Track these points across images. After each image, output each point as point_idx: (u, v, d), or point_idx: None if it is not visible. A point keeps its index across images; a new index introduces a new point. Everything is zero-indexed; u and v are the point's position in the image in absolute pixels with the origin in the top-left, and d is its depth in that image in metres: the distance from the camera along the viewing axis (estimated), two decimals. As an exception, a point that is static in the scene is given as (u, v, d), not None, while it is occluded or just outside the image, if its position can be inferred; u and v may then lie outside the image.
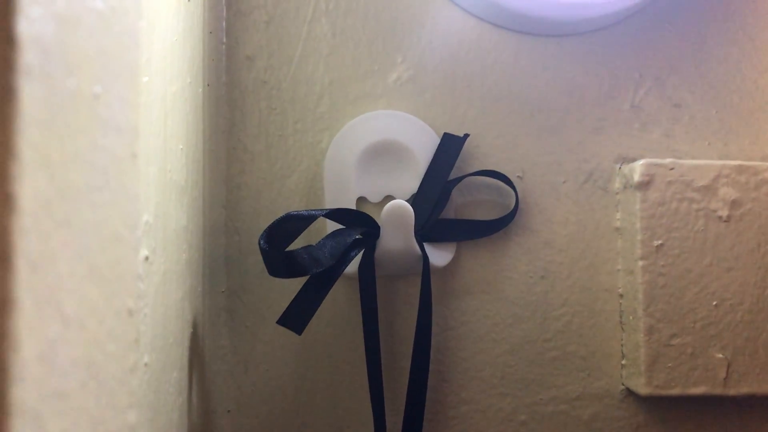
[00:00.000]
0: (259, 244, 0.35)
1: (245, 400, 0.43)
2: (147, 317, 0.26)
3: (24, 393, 0.15)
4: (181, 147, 0.32)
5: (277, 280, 0.43)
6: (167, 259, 0.29)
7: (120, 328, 0.18)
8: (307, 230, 0.39)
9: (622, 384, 0.45)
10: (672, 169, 0.43)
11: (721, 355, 0.42)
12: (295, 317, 0.37)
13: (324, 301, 0.42)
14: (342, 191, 0.43)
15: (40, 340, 0.15)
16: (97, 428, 0.17)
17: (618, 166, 0.46)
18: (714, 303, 0.43)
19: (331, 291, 0.43)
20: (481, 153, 0.45)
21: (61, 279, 0.16)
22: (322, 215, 0.38)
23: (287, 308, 0.38)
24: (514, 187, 0.44)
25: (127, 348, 0.19)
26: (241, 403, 0.43)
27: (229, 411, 0.43)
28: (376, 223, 0.41)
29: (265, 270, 0.42)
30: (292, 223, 0.37)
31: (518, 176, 0.45)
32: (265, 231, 0.35)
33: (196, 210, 0.38)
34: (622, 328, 0.45)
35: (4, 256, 0.14)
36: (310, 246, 0.37)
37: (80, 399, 0.16)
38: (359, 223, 0.40)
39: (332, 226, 0.41)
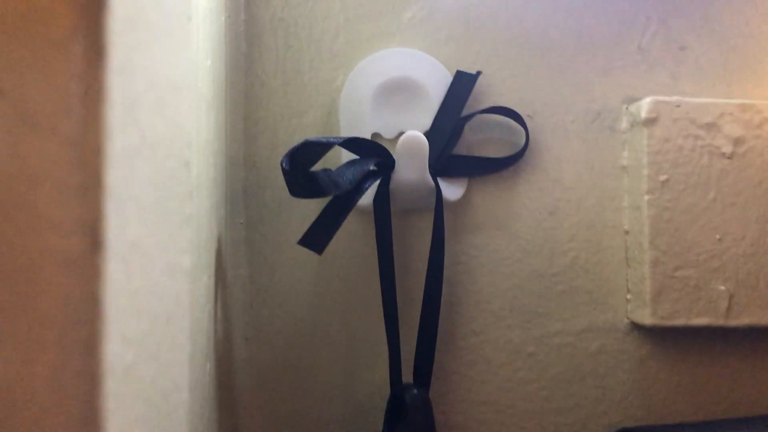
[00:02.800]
0: (282, 165, 0.36)
1: (263, 329, 0.44)
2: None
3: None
4: (209, 62, 0.33)
5: (294, 212, 0.44)
6: (199, 165, 0.30)
7: (179, 176, 0.19)
8: (323, 162, 0.41)
9: (627, 318, 0.46)
10: (678, 106, 0.44)
11: (723, 288, 0.44)
12: (316, 238, 0.38)
13: (339, 234, 0.44)
14: (357, 127, 0.44)
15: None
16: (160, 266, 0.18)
17: (625, 106, 0.47)
18: (717, 237, 0.44)
19: (346, 224, 0.44)
20: (492, 92, 0.46)
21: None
22: (339, 143, 0.40)
23: (308, 230, 0.39)
24: (524, 125, 0.45)
25: (183, 199, 0.20)
26: (258, 330, 0.44)
27: (246, 339, 0.44)
28: (391, 155, 0.42)
29: (282, 203, 0.44)
30: (311, 149, 0.38)
31: (528, 115, 0.46)
32: (286, 154, 0.37)
33: (219, 131, 0.39)
34: (628, 264, 0.46)
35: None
36: (329, 169, 0.38)
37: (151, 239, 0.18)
38: (374, 154, 0.41)
39: (348, 158, 0.42)
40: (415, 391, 0.41)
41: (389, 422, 0.41)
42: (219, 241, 0.40)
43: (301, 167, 0.37)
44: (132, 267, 0.17)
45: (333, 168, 0.40)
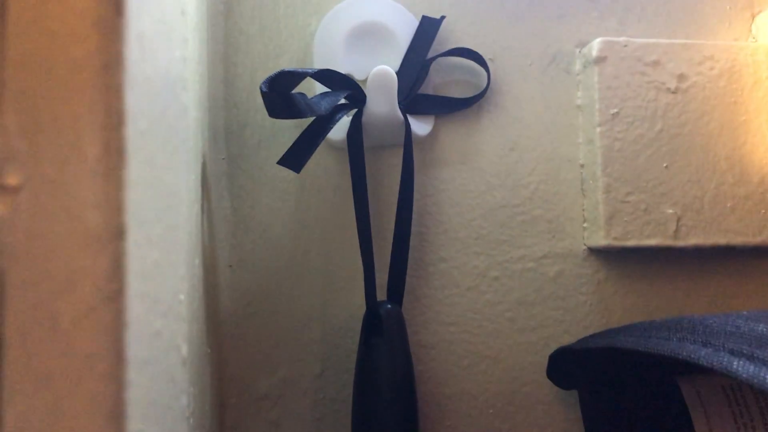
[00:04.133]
0: (261, 88, 0.39)
1: (245, 257, 0.47)
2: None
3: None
4: (191, 11, 0.36)
5: (273, 149, 0.47)
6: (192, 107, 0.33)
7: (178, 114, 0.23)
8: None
9: (584, 244, 0.50)
10: (625, 46, 0.48)
11: (671, 211, 0.48)
12: (294, 158, 0.42)
13: (315, 169, 0.47)
14: (330, 68, 0.47)
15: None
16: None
17: (578, 49, 0.51)
18: (664, 165, 0.48)
19: (322, 159, 0.47)
20: (455, 38, 0.50)
21: None
22: (312, 74, 0.43)
23: (287, 151, 0.42)
24: (486, 66, 0.49)
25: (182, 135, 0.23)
26: (241, 259, 0.47)
27: (230, 266, 0.47)
28: (362, 90, 0.45)
29: (261, 141, 0.47)
30: (286, 77, 0.41)
31: (489, 59, 0.50)
32: (265, 80, 0.40)
33: (202, 74, 0.43)
34: (584, 195, 0.50)
35: None
36: (305, 94, 0.42)
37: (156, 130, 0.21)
38: (346, 87, 0.45)
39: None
40: (389, 305, 0.45)
41: (365, 336, 0.44)
42: (203, 175, 0.43)
43: (279, 90, 0.40)
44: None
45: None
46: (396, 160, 0.48)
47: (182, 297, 0.26)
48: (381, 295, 0.46)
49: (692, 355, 0.30)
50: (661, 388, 0.46)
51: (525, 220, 0.49)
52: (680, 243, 0.48)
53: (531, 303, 0.49)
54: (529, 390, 0.48)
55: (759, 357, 0.27)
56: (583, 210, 0.50)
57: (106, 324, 0.18)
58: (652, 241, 0.47)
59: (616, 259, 0.50)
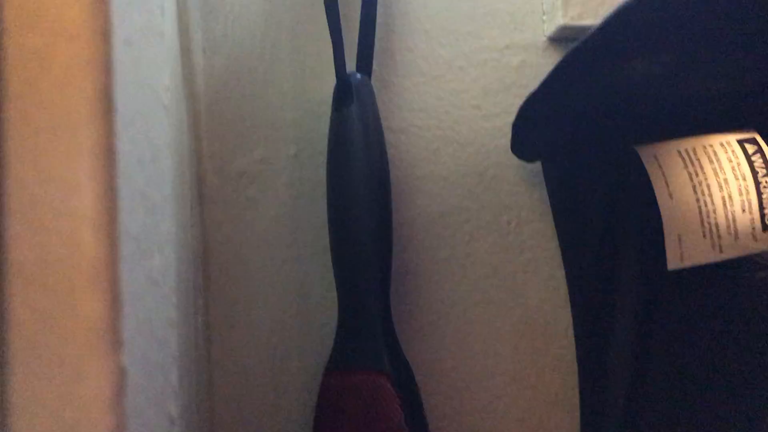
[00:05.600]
0: None
1: (217, 40, 0.48)
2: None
3: None
4: None
5: None
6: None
7: None
8: None
9: (544, 35, 0.52)
10: None
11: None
12: None
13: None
14: None
15: None
16: None
17: None
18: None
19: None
20: None
21: None
22: None
23: None
24: None
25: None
26: (213, 41, 0.48)
27: (204, 50, 0.48)
28: None
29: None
30: None
31: None
32: None
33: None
34: (543, -10, 0.52)
35: None
36: None
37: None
38: None
39: None
40: (359, 76, 0.47)
41: (337, 106, 0.46)
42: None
43: None
44: None
45: None
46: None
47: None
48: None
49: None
50: (619, 154, 0.48)
51: (487, 12, 0.51)
52: (634, 24, 0.50)
53: (495, 91, 0.51)
54: (496, 171, 0.51)
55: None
56: (542, 3, 0.52)
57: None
58: (609, 22, 0.50)
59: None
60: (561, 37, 0.51)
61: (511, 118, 0.51)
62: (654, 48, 0.44)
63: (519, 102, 0.51)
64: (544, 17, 0.52)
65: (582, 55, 0.42)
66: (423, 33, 0.51)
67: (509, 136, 0.50)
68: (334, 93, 0.46)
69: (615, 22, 0.39)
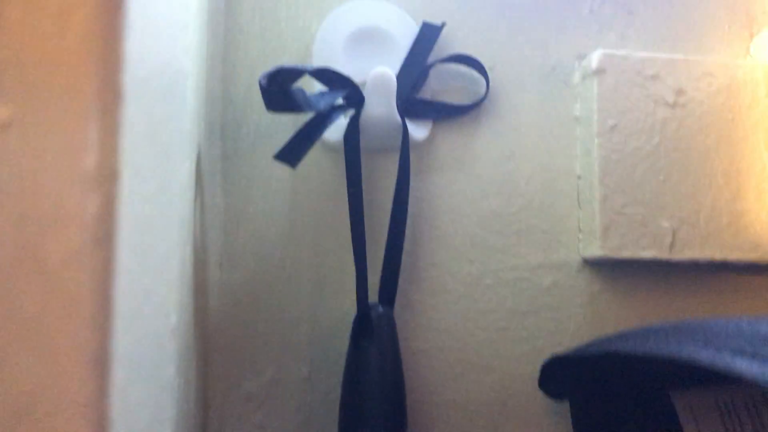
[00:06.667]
0: (260, 82, 0.39)
1: (236, 256, 0.46)
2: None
3: None
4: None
5: (268, 148, 0.47)
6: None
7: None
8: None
9: (579, 255, 0.49)
10: (625, 59, 0.48)
11: (667, 224, 0.47)
12: (290, 153, 0.41)
13: (310, 169, 0.47)
14: (329, 70, 0.47)
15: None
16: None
17: (578, 62, 0.51)
18: (661, 178, 0.48)
19: (317, 160, 0.47)
20: (455, 45, 0.50)
21: None
22: (311, 71, 0.43)
23: (284, 146, 0.41)
24: (485, 73, 0.48)
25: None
26: (231, 257, 0.46)
27: (220, 264, 0.46)
28: (360, 91, 0.45)
29: (256, 140, 0.46)
30: (285, 74, 0.41)
31: (489, 67, 0.49)
32: (264, 74, 0.39)
33: (200, 71, 0.42)
34: (580, 207, 0.49)
35: None
36: (304, 90, 0.41)
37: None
38: (344, 86, 0.45)
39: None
40: (381, 308, 0.44)
41: (355, 338, 0.43)
42: (198, 167, 0.42)
43: (278, 85, 0.40)
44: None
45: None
46: (392, 164, 0.48)
47: (174, 263, 0.25)
48: (372, 298, 0.45)
49: (693, 356, 0.29)
50: (653, 400, 0.45)
51: (520, 229, 0.49)
52: (675, 257, 0.47)
53: (524, 313, 0.48)
54: (520, 401, 0.48)
55: (763, 355, 0.26)
56: (579, 221, 0.49)
57: (94, 268, 0.17)
58: (647, 254, 0.47)
59: (611, 271, 0.49)
60: (596, 260, 0.48)
61: (540, 342, 0.48)
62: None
63: (549, 325, 0.48)
64: (580, 235, 0.49)
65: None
66: (451, 248, 0.48)
67: (537, 362, 0.47)
68: (353, 325, 0.44)
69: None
